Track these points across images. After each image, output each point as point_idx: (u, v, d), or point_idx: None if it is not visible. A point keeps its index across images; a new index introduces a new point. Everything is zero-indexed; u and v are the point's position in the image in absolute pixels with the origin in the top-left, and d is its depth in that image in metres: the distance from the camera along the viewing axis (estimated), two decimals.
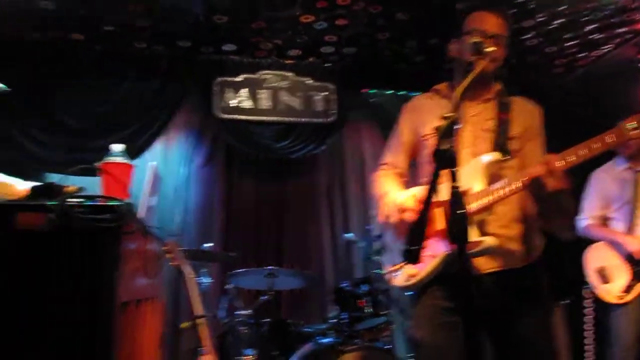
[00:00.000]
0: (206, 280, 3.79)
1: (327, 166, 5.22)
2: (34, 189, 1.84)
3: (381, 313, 3.57)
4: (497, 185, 1.84)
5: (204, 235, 4.76)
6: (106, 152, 4.27)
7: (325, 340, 3.58)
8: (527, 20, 4.29)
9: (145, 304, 2.34)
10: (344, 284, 3.72)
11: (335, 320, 3.66)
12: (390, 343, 3.63)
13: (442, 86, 2.21)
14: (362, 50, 4.84)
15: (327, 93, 5.04)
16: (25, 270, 1.65)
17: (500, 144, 1.98)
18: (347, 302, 3.64)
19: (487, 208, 1.85)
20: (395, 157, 2.28)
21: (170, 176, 4.81)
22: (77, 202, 1.66)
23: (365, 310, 3.56)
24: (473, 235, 1.81)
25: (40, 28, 4.32)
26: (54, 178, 2.06)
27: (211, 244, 3.99)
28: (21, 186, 1.94)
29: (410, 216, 1.91)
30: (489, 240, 1.81)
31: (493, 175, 1.91)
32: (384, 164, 2.32)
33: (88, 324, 1.62)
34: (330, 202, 5.14)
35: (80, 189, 1.74)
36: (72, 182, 1.85)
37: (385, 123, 5.11)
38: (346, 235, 4.10)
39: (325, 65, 5.07)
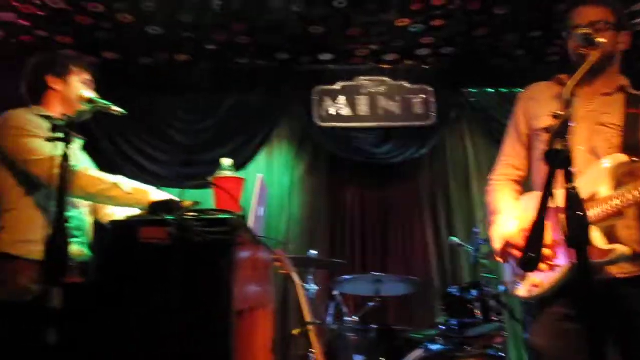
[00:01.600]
0: (313, 287, 3.84)
1: (430, 169, 5.15)
2: (152, 204, 1.95)
3: (493, 319, 3.45)
4: (627, 188, 1.71)
5: (309, 243, 4.85)
6: (214, 165, 4.48)
7: (434, 347, 3.51)
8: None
9: (258, 311, 2.41)
10: (452, 289, 3.64)
11: (444, 327, 3.58)
12: (503, 350, 3.50)
13: (565, 76, 2.08)
14: (459, 49, 4.74)
15: (425, 95, 4.98)
16: (149, 279, 1.76)
17: (631, 143, 1.85)
18: (456, 307, 3.55)
19: (617, 213, 1.72)
20: (512, 149, 2.18)
21: (274, 186, 4.95)
22: (193, 216, 1.75)
23: (476, 316, 3.45)
24: (601, 242, 1.71)
25: (149, 51, 4.62)
26: (172, 192, 2.17)
27: (316, 252, 4.04)
28: (155, 194, 2.08)
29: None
30: (621, 249, 1.70)
31: (621, 177, 1.78)
32: (502, 161, 2.22)
33: (208, 331, 1.70)
34: (433, 206, 5.06)
35: (196, 204, 1.84)
36: (186, 195, 1.96)
37: (487, 122, 4.98)
38: (452, 238, 4.01)
39: (423, 67, 5.02)
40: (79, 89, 2.32)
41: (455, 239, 4.00)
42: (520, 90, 2.24)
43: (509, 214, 2.01)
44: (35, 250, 2.02)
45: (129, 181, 2.17)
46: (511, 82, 4.98)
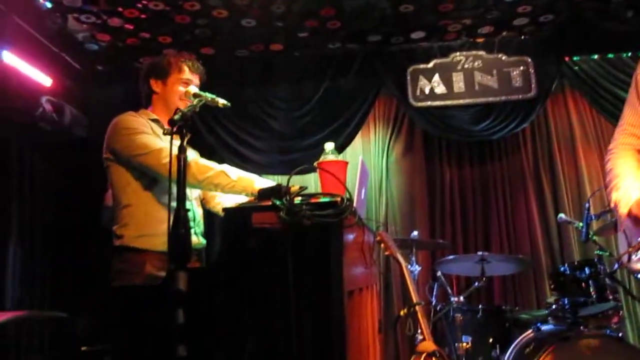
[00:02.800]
0: (416, 268, 3.84)
1: (532, 144, 4.95)
2: (261, 191, 2.03)
3: (608, 298, 3.28)
4: None
5: (409, 224, 4.84)
6: (312, 151, 4.57)
7: (546, 328, 3.40)
8: None
9: (365, 292, 2.45)
10: (563, 268, 3.49)
11: (555, 307, 3.46)
12: (620, 330, 3.33)
13: None
14: (560, 16, 4.49)
15: (524, 67, 4.78)
16: (262, 263, 1.84)
17: None
18: (568, 287, 3.40)
19: None
20: (634, 116, 2.04)
21: (371, 169, 4.96)
22: (302, 200, 1.81)
23: (590, 295, 3.30)
24: None
25: (244, 44, 4.76)
26: (274, 179, 2.25)
27: (417, 233, 4.03)
28: (258, 182, 2.17)
29: None
30: None
31: None
32: (622, 129, 2.09)
33: (322, 311, 1.76)
34: (538, 182, 4.87)
35: (303, 188, 1.90)
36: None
37: (592, 91, 4.71)
38: (561, 215, 3.84)
39: (520, 38, 4.81)
40: (178, 89, 2.42)
41: (564, 216, 3.83)
42: (630, 54, 2.09)
43: (637, 180, 1.90)
44: (158, 243, 2.17)
45: (235, 169, 2.27)
46: (619, 46, 4.65)
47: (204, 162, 2.22)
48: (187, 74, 2.46)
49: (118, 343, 1.98)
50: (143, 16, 4.21)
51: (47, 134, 4.45)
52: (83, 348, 2.40)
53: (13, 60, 4.00)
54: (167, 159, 2.04)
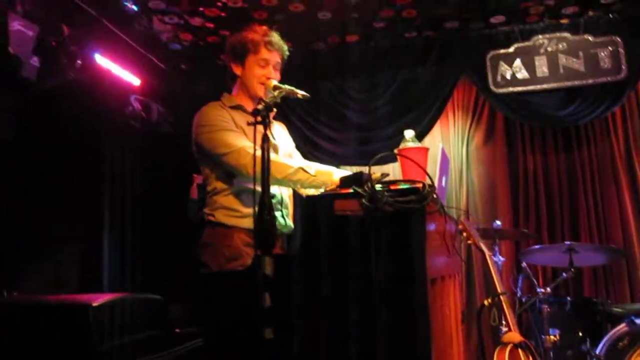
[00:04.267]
0: (500, 258, 3.75)
1: (623, 128, 4.68)
2: (342, 179, 2.06)
3: None
4: None
5: (491, 213, 4.74)
6: (390, 141, 4.55)
7: None
8: None
9: (447, 280, 2.42)
10: None
11: None
12: None
13: None
14: None
15: (613, 47, 4.51)
16: (345, 250, 1.87)
17: None
18: None
19: None
20: None
21: (451, 157, 4.88)
22: (384, 187, 1.82)
23: None
24: None
25: (321, 36, 4.80)
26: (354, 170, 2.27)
27: (499, 222, 3.93)
28: (337, 174, 2.20)
29: None
30: None
31: None
32: None
33: (406, 299, 1.76)
34: (630, 168, 4.60)
35: (385, 175, 1.90)
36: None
37: None
38: None
39: (608, 16, 4.55)
40: (257, 71, 2.40)
41: None
42: None
43: None
44: (245, 221, 2.27)
45: (312, 164, 2.31)
46: None
47: (281, 159, 2.26)
48: (264, 53, 2.40)
49: (209, 326, 2.07)
50: (223, 14, 4.34)
51: (136, 131, 4.70)
52: (177, 330, 2.53)
53: (105, 62, 4.25)
54: (246, 159, 2.12)
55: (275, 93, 2.21)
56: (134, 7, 4.19)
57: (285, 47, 2.49)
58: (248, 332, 1.76)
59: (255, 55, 2.41)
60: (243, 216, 2.30)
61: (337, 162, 4.90)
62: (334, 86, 4.99)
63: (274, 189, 2.36)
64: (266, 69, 2.42)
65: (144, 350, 2.25)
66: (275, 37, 2.45)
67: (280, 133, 2.65)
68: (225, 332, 1.97)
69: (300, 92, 2.25)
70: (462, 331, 2.78)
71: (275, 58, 2.45)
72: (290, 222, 2.49)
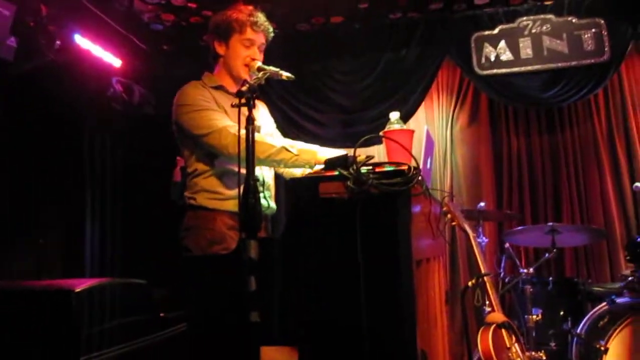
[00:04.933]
0: (484, 239, 3.78)
1: (606, 110, 4.72)
2: (327, 161, 2.04)
3: None
4: None
5: (475, 195, 4.77)
6: (374, 123, 4.53)
7: (622, 300, 3.31)
8: None
9: (432, 262, 2.43)
10: (639, 239, 3.36)
11: (630, 279, 3.34)
12: None
13: None
14: None
15: (596, 29, 4.51)
16: (330, 233, 1.86)
17: None
18: None
19: None
20: None
21: (436, 139, 4.88)
22: (369, 169, 1.80)
23: None
24: None
25: (305, 17, 4.75)
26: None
27: (483, 204, 3.96)
28: (321, 152, 2.18)
29: None
30: None
31: None
32: None
33: (391, 281, 1.77)
34: (612, 149, 4.64)
35: (370, 157, 1.89)
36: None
37: None
38: (637, 184, 3.66)
39: None
40: (241, 52, 2.36)
41: None
42: None
43: None
44: (228, 204, 2.25)
45: (295, 142, 2.28)
46: None
47: (263, 139, 2.21)
48: (249, 33, 2.36)
49: (193, 310, 2.06)
50: None
51: (117, 113, 4.64)
52: (161, 314, 2.52)
53: (85, 43, 4.16)
54: (228, 139, 2.09)
55: (260, 74, 2.18)
56: None
57: (271, 28, 2.45)
58: (234, 316, 1.75)
59: (240, 35, 2.37)
60: (225, 198, 2.27)
61: (322, 144, 4.85)
62: (319, 67, 4.95)
63: (256, 171, 2.34)
64: (251, 49, 2.38)
65: (128, 335, 2.24)
66: (261, 17, 2.41)
67: (262, 112, 2.62)
68: (211, 316, 1.97)
69: (285, 74, 2.22)
70: (446, 312, 2.79)
71: (261, 39, 2.41)
72: (273, 204, 2.46)
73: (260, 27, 2.39)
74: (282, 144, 2.18)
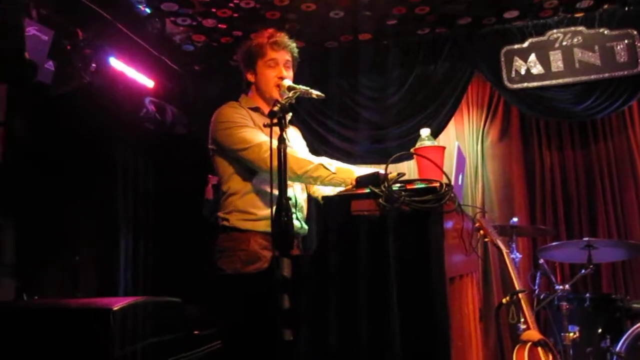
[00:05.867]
0: (517, 255, 3.72)
1: None
2: (359, 178, 2.05)
3: None
4: None
5: (507, 210, 4.72)
6: (404, 139, 4.52)
7: None
8: None
9: (465, 279, 2.41)
10: None
11: None
12: None
13: None
14: None
15: (629, 41, 4.44)
16: (363, 250, 1.86)
17: None
18: None
19: None
20: None
21: (466, 154, 4.85)
22: (400, 186, 1.81)
23: None
24: None
25: (334, 35, 4.79)
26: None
27: (516, 219, 3.90)
28: (358, 172, 2.18)
29: None
30: None
31: None
32: None
33: (425, 298, 1.76)
34: None
35: (401, 175, 1.89)
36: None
37: None
38: None
39: (624, 9, 4.49)
40: (268, 73, 2.40)
41: None
42: None
43: None
44: (261, 224, 2.27)
45: (333, 161, 2.30)
46: None
47: (301, 155, 2.24)
48: (270, 53, 2.40)
49: (227, 327, 2.08)
50: (235, 15, 4.35)
51: (150, 132, 4.73)
52: (195, 332, 2.54)
53: (119, 65, 4.28)
54: (267, 153, 2.11)
55: (290, 94, 2.20)
56: (147, 10, 4.22)
57: (293, 45, 2.49)
58: (267, 334, 1.76)
59: (263, 58, 2.42)
60: (258, 219, 2.29)
61: (352, 160, 4.87)
62: (348, 84, 4.98)
63: (289, 192, 2.36)
64: (276, 68, 2.42)
65: (163, 353, 2.26)
66: (280, 36, 2.45)
67: (294, 136, 2.66)
68: (244, 334, 1.98)
69: (315, 92, 2.24)
70: (481, 329, 2.75)
71: (284, 56, 2.44)
72: (305, 225, 2.49)
73: (280, 45, 2.42)
74: (320, 160, 2.20)
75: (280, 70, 2.42)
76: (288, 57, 2.46)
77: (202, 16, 4.36)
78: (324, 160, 2.23)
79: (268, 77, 2.42)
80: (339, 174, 2.16)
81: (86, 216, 4.32)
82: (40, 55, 3.42)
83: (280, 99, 2.26)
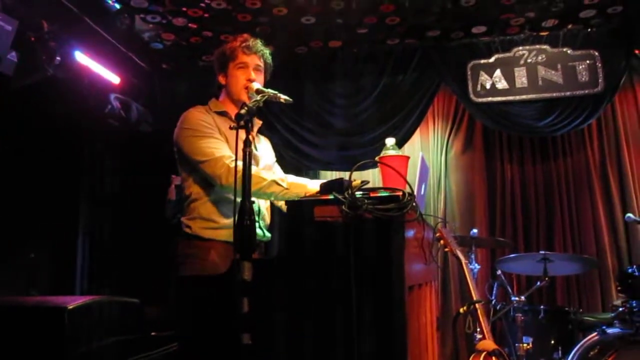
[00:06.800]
0: (476, 266, 3.79)
1: (599, 140, 4.78)
2: (323, 185, 2.06)
3: None
4: None
5: (468, 221, 4.79)
6: (370, 147, 4.56)
7: (612, 331, 3.31)
8: None
9: (424, 288, 2.44)
10: (631, 269, 3.38)
11: (621, 309, 3.35)
12: None
13: None
14: (630, 7, 4.31)
15: (591, 61, 4.59)
16: (324, 256, 1.87)
17: None
18: (636, 289, 3.30)
19: None
20: None
21: (430, 165, 4.92)
22: (364, 194, 1.82)
23: None
24: None
25: (304, 41, 4.81)
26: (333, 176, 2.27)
27: (476, 230, 3.98)
28: (311, 185, 2.20)
29: None
30: None
31: None
32: None
33: (382, 305, 1.77)
34: (605, 180, 4.70)
35: (365, 182, 1.91)
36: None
37: None
38: (629, 215, 3.70)
39: (587, 30, 4.64)
40: (238, 75, 2.43)
41: (632, 216, 3.69)
42: None
43: None
44: (222, 233, 2.28)
45: (286, 176, 2.32)
46: None
47: (257, 172, 2.20)
48: (242, 57, 2.44)
49: (185, 330, 2.05)
50: (206, 15, 4.32)
51: (115, 129, 4.65)
52: (153, 333, 2.51)
53: (84, 59, 4.20)
54: (222, 169, 2.13)
55: (258, 97, 2.20)
56: (116, 5, 4.15)
57: (266, 51, 2.53)
58: (225, 337, 1.75)
59: (234, 61, 2.46)
60: (220, 227, 2.30)
61: (321, 167, 4.92)
62: (317, 91, 4.99)
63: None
64: (246, 71, 2.44)
65: (120, 354, 2.22)
66: (252, 41, 2.49)
67: (264, 146, 2.68)
68: (202, 337, 1.96)
69: (283, 97, 2.25)
70: (438, 338, 2.79)
71: (254, 61, 2.47)
72: (267, 233, 2.50)
73: (252, 50, 2.46)
74: (273, 177, 2.21)
75: (249, 73, 2.44)
76: (259, 62, 2.48)
77: (172, 15, 4.32)
78: (277, 176, 2.25)
79: (237, 80, 2.44)
80: (292, 189, 2.18)
81: (45, 212, 4.21)
82: (3, 45, 3.34)
83: (245, 100, 2.29)
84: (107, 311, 2.19)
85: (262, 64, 2.50)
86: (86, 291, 4.48)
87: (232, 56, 2.46)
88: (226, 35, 4.61)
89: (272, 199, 2.37)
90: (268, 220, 2.55)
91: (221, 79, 2.52)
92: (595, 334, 3.35)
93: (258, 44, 2.49)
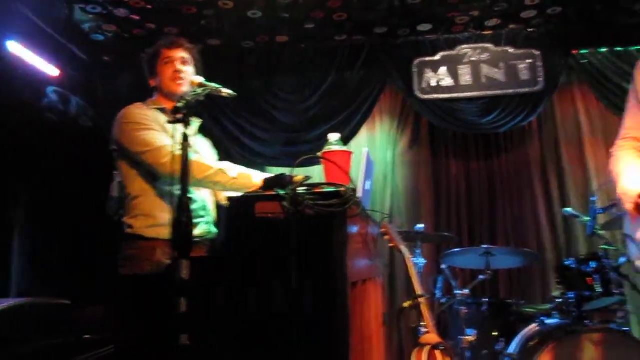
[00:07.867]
0: (421, 260, 3.82)
1: (539, 137, 4.92)
2: (265, 180, 2.03)
3: (613, 292, 3.26)
4: None
5: (414, 216, 4.84)
6: (317, 143, 4.54)
7: (551, 321, 3.40)
8: None
9: (369, 283, 2.44)
10: (569, 262, 3.48)
11: (560, 300, 3.45)
12: (626, 325, 3.32)
13: None
14: (569, 9, 4.45)
15: (532, 60, 4.73)
16: (265, 252, 1.84)
17: None
18: (573, 280, 3.39)
19: None
20: (633, 120, 2.05)
21: (377, 161, 4.95)
22: (305, 190, 1.80)
23: (595, 290, 3.27)
24: None
25: (250, 35, 4.74)
26: (279, 171, 2.24)
27: (422, 225, 4.01)
28: (256, 177, 2.17)
29: None
30: None
31: None
32: (623, 134, 2.10)
33: (325, 302, 1.76)
34: (544, 175, 4.84)
35: (307, 178, 1.89)
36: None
37: (600, 85, 4.67)
38: (566, 210, 3.82)
39: (528, 30, 4.77)
40: (165, 70, 2.44)
41: (569, 210, 3.81)
42: (639, 48, 2.09)
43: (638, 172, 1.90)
44: (165, 232, 2.18)
45: (234, 166, 2.28)
46: (628, 40, 4.60)
47: (202, 160, 2.23)
48: (165, 52, 2.47)
49: (122, 331, 1.99)
50: (149, 7, 4.21)
51: (52, 124, 4.46)
52: (86, 336, 2.41)
53: (19, 50, 4.00)
54: (167, 158, 2.09)
55: (199, 90, 2.15)
56: None
57: (190, 45, 2.54)
58: (163, 338, 1.69)
59: (159, 57, 2.48)
60: (163, 225, 2.22)
61: (266, 163, 4.86)
62: (263, 86, 4.94)
63: (196, 195, 2.32)
64: (172, 64, 2.45)
65: (49, 357, 2.13)
66: (175, 38, 2.54)
67: (204, 147, 2.64)
68: (139, 338, 1.90)
69: (226, 91, 2.20)
70: (384, 333, 2.80)
71: (179, 54, 2.48)
72: (214, 229, 2.44)
73: (175, 44, 2.49)
74: (221, 166, 2.17)
75: (174, 65, 2.45)
76: (184, 55, 2.50)
77: (113, 5, 4.18)
78: (225, 165, 2.22)
79: (165, 73, 2.45)
80: (239, 180, 2.17)
81: None
82: None
83: (177, 91, 2.37)
84: (35, 314, 2.09)
85: (188, 57, 2.50)
86: (23, 294, 4.29)
87: (157, 55, 2.48)
88: (170, 28, 4.50)
89: (219, 189, 2.33)
90: (215, 215, 2.50)
91: (152, 82, 2.52)
92: (535, 324, 3.43)
93: (182, 39, 2.53)
